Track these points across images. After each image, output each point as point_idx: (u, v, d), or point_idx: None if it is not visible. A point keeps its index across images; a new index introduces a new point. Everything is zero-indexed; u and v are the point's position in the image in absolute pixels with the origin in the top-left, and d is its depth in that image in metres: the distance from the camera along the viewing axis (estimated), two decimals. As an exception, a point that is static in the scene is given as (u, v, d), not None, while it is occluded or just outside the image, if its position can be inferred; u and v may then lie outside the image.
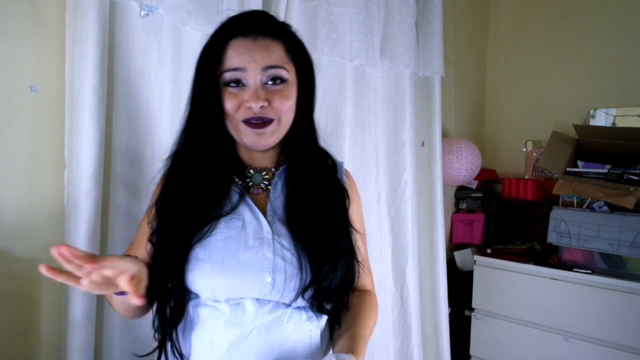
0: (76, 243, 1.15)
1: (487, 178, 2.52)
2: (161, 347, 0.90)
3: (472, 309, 2.31)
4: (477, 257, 2.28)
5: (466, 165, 2.24)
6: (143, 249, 0.93)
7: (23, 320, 1.17)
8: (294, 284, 0.88)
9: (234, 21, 0.91)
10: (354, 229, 0.97)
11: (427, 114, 2.16)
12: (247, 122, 0.87)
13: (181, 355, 0.89)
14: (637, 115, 2.20)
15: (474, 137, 2.61)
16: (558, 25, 2.49)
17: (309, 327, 0.92)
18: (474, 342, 2.30)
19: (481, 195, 2.45)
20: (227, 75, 0.87)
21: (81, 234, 1.15)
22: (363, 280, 1.04)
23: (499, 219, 2.38)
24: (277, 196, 0.94)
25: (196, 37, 1.35)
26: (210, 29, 1.34)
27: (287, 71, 0.89)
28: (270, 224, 0.91)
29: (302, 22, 1.64)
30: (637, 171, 1.91)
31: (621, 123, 2.25)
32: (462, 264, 2.42)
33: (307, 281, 0.87)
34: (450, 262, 2.37)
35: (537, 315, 2.08)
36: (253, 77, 0.86)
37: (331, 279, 0.89)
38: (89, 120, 1.15)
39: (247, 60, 0.86)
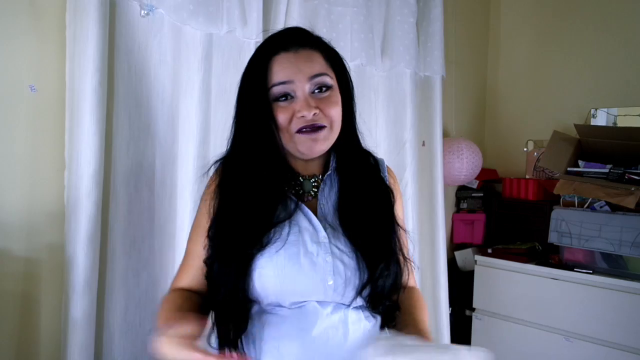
0: (76, 243, 1.15)
1: (488, 178, 2.52)
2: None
3: (473, 309, 2.31)
4: (478, 257, 2.28)
5: (467, 165, 2.24)
6: (198, 259, 0.95)
7: (23, 320, 1.17)
8: (353, 285, 0.90)
9: (272, 39, 0.94)
10: (400, 227, 1.00)
11: (428, 114, 2.16)
12: (300, 130, 0.90)
13: None
14: (638, 115, 2.20)
15: (474, 136, 2.61)
16: (559, 25, 2.49)
17: (367, 327, 0.94)
18: (474, 342, 2.30)
19: (482, 195, 2.45)
20: (276, 90, 0.89)
21: (81, 234, 1.15)
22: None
23: (499, 218, 2.38)
24: (325, 201, 0.97)
25: (197, 36, 1.35)
26: (211, 29, 1.36)
27: (331, 77, 0.92)
28: (324, 228, 0.93)
29: (303, 22, 1.63)
30: (638, 171, 1.90)
31: (622, 123, 2.25)
32: (463, 263, 2.42)
33: (365, 280, 0.90)
34: (451, 262, 2.37)
35: (538, 315, 2.08)
36: (301, 87, 0.89)
37: (386, 277, 0.92)
38: (89, 120, 1.15)
39: (293, 72, 0.89)
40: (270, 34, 0.98)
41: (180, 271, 1.00)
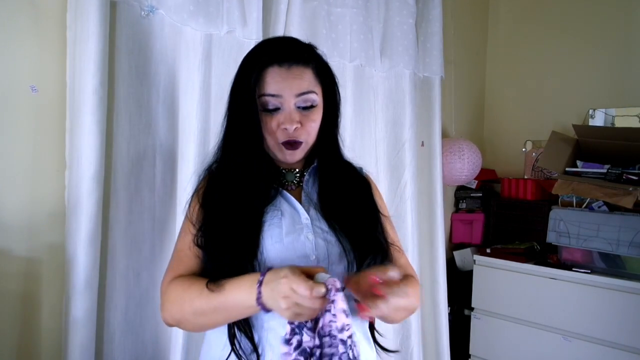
0: (77, 243, 1.16)
1: (487, 178, 2.53)
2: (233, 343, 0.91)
3: (472, 309, 2.31)
4: (476, 257, 2.29)
5: (468, 166, 2.25)
6: (192, 256, 0.96)
7: (24, 319, 1.17)
8: (341, 269, 0.94)
9: (268, 49, 0.99)
10: (381, 213, 1.07)
11: (427, 114, 2.17)
12: (283, 144, 0.97)
13: (243, 351, 0.91)
14: (636, 115, 2.20)
15: (473, 137, 2.61)
16: (558, 25, 2.50)
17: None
18: (473, 341, 2.31)
19: (481, 195, 2.46)
20: (265, 100, 0.95)
21: (82, 234, 1.16)
22: (399, 262, 1.08)
23: (498, 218, 2.39)
24: (310, 189, 1.04)
25: (197, 37, 1.36)
26: (211, 29, 1.36)
27: (316, 94, 0.98)
28: (307, 211, 0.99)
29: (303, 23, 1.64)
30: (636, 171, 1.91)
31: (620, 123, 2.26)
32: (462, 263, 2.43)
33: (354, 269, 0.94)
34: (450, 262, 2.38)
35: (537, 315, 2.09)
36: (288, 101, 0.95)
37: (371, 266, 0.94)
38: (90, 121, 1.16)
39: (282, 88, 0.94)
40: (264, 40, 1.04)
41: (174, 266, 0.98)
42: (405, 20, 1.96)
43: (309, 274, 0.79)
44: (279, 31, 1.57)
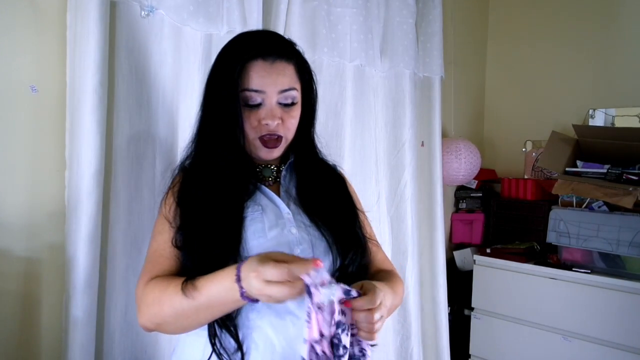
0: (77, 243, 1.16)
1: (487, 178, 2.53)
2: (213, 341, 0.89)
3: (472, 309, 2.31)
4: (476, 257, 2.29)
5: (465, 166, 2.25)
6: (169, 256, 0.93)
7: (24, 319, 1.17)
8: (327, 263, 0.93)
9: (250, 42, 0.97)
10: (358, 209, 1.08)
11: (427, 114, 2.17)
12: (262, 139, 0.97)
13: (225, 349, 0.89)
14: (636, 116, 2.21)
15: (473, 137, 2.61)
16: (557, 25, 2.50)
17: None
18: (473, 341, 2.31)
19: (481, 195, 2.46)
20: (247, 95, 0.94)
21: (82, 234, 1.16)
22: (378, 256, 1.09)
23: (498, 218, 2.39)
24: (288, 185, 1.04)
25: (197, 37, 1.36)
26: (211, 29, 1.36)
27: (297, 91, 0.98)
28: (287, 206, 0.99)
29: (303, 22, 1.64)
30: (636, 171, 1.91)
31: (620, 123, 2.26)
32: (462, 263, 2.43)
33: (338, 263, 0.94)
34: (450, 262, 2.38)
35: (537, 315, 2.09)
36: (270, 98, 0.95)
37: (353, 261, 0.96)
38: (89, 120, 1.16)
39: (267, 84, 0.94)
40: (244, 33, 1.03)
41: (150, 268, 0.93)
42: (405, 20, 1.96)
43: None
44: (278, 31, 1.57)
